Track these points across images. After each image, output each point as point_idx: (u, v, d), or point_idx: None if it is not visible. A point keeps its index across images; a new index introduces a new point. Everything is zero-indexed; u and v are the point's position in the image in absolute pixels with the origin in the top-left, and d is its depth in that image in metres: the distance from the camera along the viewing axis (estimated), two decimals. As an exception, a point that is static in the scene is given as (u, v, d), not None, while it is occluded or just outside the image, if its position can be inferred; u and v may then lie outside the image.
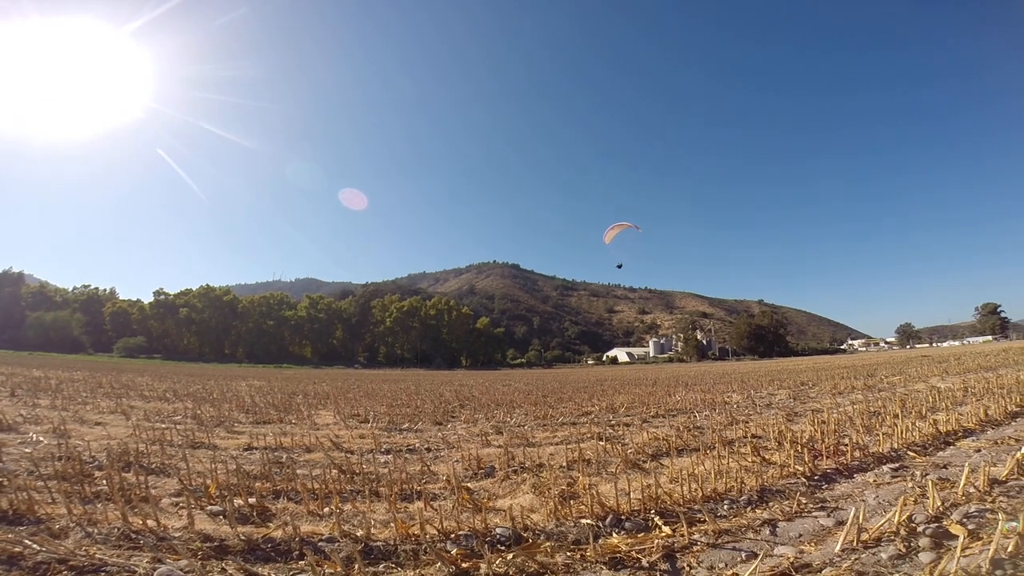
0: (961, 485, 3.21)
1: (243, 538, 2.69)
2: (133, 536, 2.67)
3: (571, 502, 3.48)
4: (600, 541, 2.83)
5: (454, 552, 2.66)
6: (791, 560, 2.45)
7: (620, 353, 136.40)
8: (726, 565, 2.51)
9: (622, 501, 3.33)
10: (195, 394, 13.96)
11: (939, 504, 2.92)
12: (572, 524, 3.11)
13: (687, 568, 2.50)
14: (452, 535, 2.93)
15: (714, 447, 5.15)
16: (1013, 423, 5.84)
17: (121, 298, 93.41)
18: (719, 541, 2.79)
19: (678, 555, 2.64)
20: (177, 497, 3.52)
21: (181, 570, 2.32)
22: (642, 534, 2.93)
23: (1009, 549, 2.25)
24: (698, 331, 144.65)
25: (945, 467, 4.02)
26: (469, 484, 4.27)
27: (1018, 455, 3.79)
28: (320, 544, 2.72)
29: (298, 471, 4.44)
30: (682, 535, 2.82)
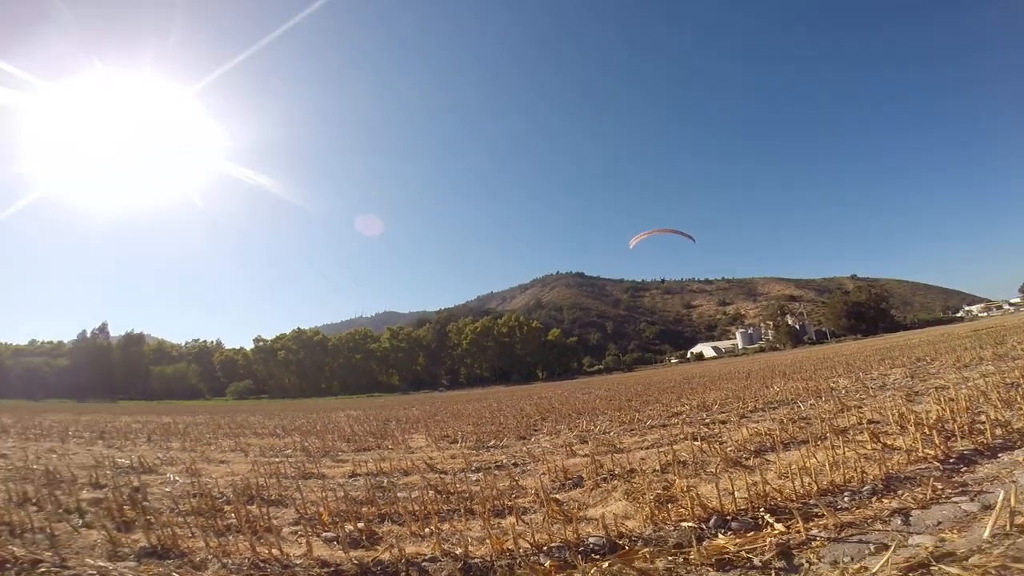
0: None
1: (356, 562, 2.87)
2: (261, 564, 2.95)
3: (668, 506, 3.34)
4: (705, 543, 2.68)
5: (547, 564, 2.65)
6: (930, 550, 2.16)
7: (705, 348, 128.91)
8: (852, 559, 2.27)
9: (726, 501, 3.15)
10: (301, 428, 15.20)
11: (1119, 479, 2.43)
12: (672, 528, 2.98)
13: (806, 565, 2.30)
14: (544, 547, 2.92)
15: (825, 437, 4.70)
16: None
17: (227, 347, 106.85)
18: (842, 535, 2.53)
19: (795, 552, 2.43)
20: (295, 526, 3.84)
21: (307, 594, 2.53)
22: (752, 533, 2.74)
23: None
24: (788, 316, 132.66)
25: (1115, 436, 3.34)
26: (558, 495, 4.24)
27: None
28: (424, 564, 2.84)
29: (398, 494, 4.67)
30: (798, 531, 2.60)
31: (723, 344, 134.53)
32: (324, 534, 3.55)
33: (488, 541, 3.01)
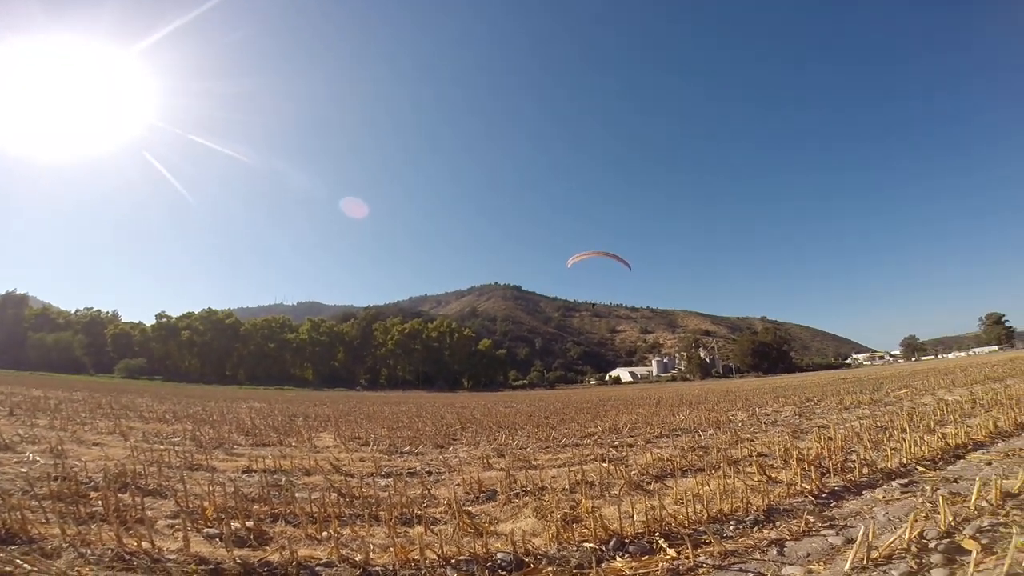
0: (973, 499, 3.14)
1: (239, 561, 2.63)
2: (127, 557, 2.62)
3: (574, 525, 3.41)
4: (603, 565, 2.77)
5: (454, 577, 2.61)
6: (799, 580, 2.38)
7: (623, 373, 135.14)
8: (732, 588, 2.44)
9: (626, 524, 3.26)
10: (195, 416, 13.83)
11: (951, 519, 2.85)
12: (575, 548, 3.05)
13: None
14: (452, 560, 2.87)
15: (719, 467, 5.06)
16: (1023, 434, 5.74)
17: (123, 321, 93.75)
18: (725, 563, 2.72)
19: (683, 577, 2.58)
20: (173, 519, 3.46)
21: (175, 594, 2.27)
22: (646, 557, 2.87)
23: (1024, 564, 2.19)
24: (701, 349, 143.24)
25: (956, 481, 3.95)
26: (470, 508, 4.20)
27: None
28: (317, 568, 2.66)
29: (297, 494, 4.36)
30: (687, 557, 2.76)
31: (640, 370, 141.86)
32: (206, 530, 3.23)
33: (392, 549, 2.89)
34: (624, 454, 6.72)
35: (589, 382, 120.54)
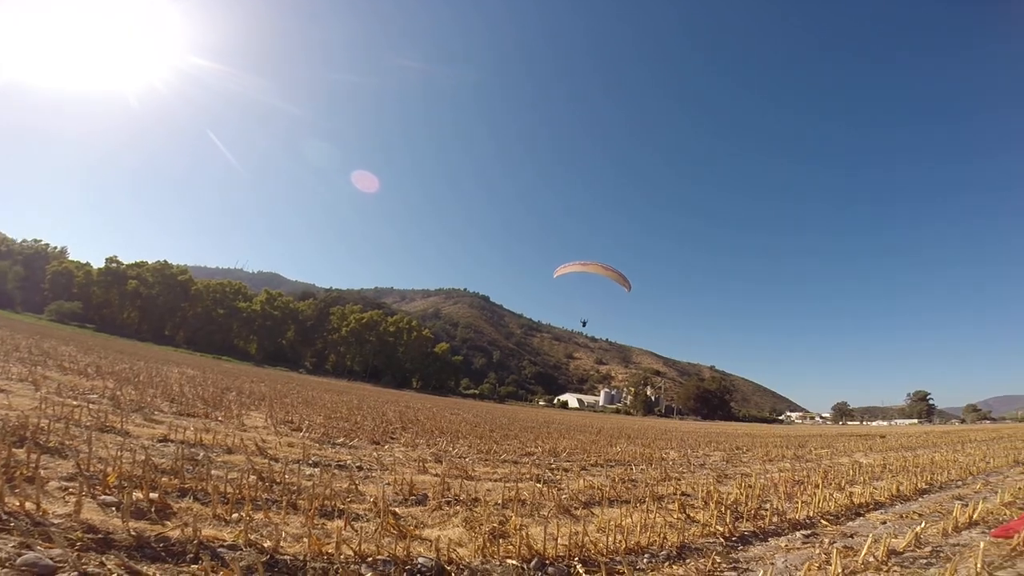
0: (862, 554, 3.36)
1: (134, 533, 2.48)
2: (4, 518, 2.42)
3: (500, 541, 3.42)
4: (521, 583, 2.78)
5: (369, 576, 2.56)
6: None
7: (571, 398, 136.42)
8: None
9: (549, 546, 3.30)
10: (120, 373, 12.97)
11: (840, 571, 3.04)
12: (498, 563, 3.06)
13: None
14: (370, 558, 2.82)
15: (644, 501, 5.19)
16: (920, 499, 6.23)
17: (70, 259, 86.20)
18: (633, 595, 2.79)
19: (592, 604, 2.63)
20: (69, 482, 3.22)
21: (52, 559, 2.11)
22: (563, 580, 2.91)
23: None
24: (649, 387, 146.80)
25: (852, 536, 4.22)
26: (397, 509, 4.13)
27: (917, 529, 4.05)
28: (220, 550, 2.55)
29: (213, 471, 4.17)
30: (599, 584, 2.81)
31: (588, 398, 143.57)
32: (103, 497, 3.03)
33: (307, 540, 2.81)
34: (559, 477, 6.78)
35: (539, 402, 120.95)
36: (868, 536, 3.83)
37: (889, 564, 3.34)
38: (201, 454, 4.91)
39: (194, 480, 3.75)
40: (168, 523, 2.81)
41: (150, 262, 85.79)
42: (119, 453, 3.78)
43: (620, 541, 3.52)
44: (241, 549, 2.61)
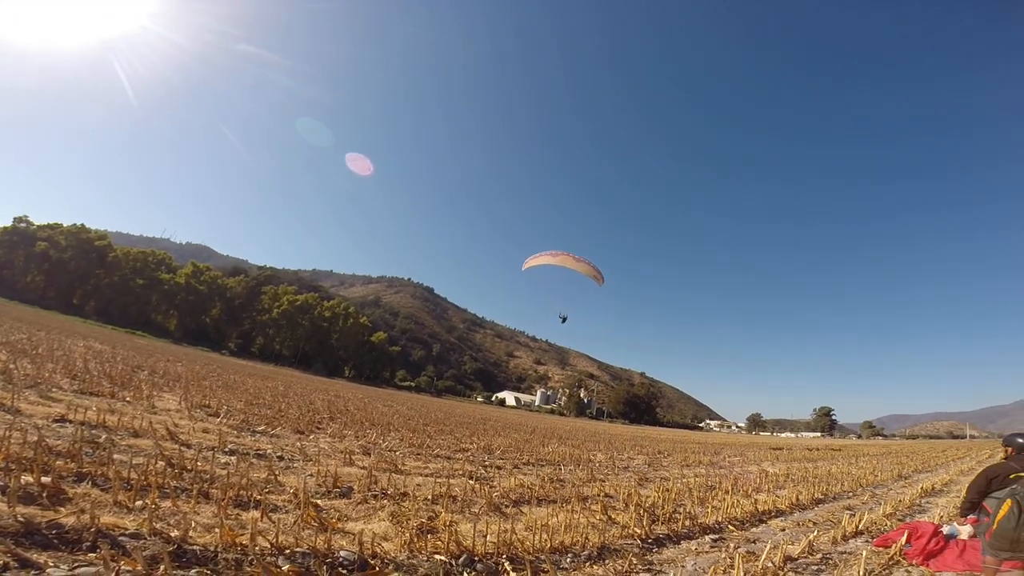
0: (762, 560, 3.68)
1: (22, 519, 2.25)
2: None
3: (429, 536, 3.41)
4: (449, 579, 2.79)
5: (286, 568, 2.48)
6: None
7: (509, 396, 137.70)
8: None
9: (478, 542, 3.34)
10: (15, 344, 11.52)
11: (741, 575, 3.31)
12: (425, 558, 3.05)
13: None
14: (288, 551, 2.72)
15: (570, 501, 5.38)
16: (816, 508, 6.88)
17: None
18: (556, 592, 2.89)
19: (517, 603, 2.69)
20: (-58, 461, 2.84)
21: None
22: (490, 577, 2.95)
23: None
24: (582, 390, 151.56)
25: (755, 541, 4.60)
26: (320, 501, 3.99)
27: (811, 537, 4.50)
28: (121, 539, 2.35)
29: (116, 456, 3.82)
30: (525, 583, 2.88)
31: (525, 397, 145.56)
32: (-15, 481, 2.69)
33: (219, 530, 2.65)
34: (492, 475, 6.85)
35: (476, 398, 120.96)
36: (769, 542, 4.20)
37: (785, 570, 3.68)
38: (103, 437, 4.49)
39: (94, 464, 3.42)
40: (62, 509, 2.56)
41: (66, 224, 76.57)
42: (7, 433, 3.37)
43: (546, 540, 3.62)
44: (145, 538, 2.42)
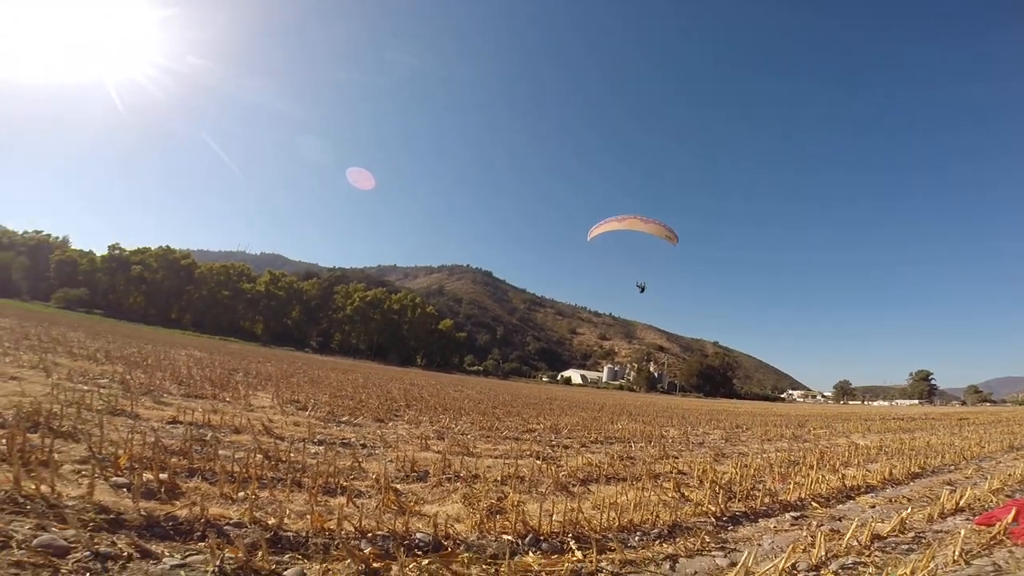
0: (847, 538, 3.45)
1: (144, 513, 2.60)
2: (21, 501, 2.53)
3: (497, 517, 3.52)
4: (516, 558, 2.88)
5: (367, 551, 2.66)
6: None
7: (574, 375, 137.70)
8: (623, 596, 2.61)
9: (545, 522, 3.39)
10: (129, 357, 13.21)
11: (823, 554, 3.13)
12: (493, 538, 3.14)
13: None
14: (370, 534, 2.92)
15: (641, 479, 5.31)
16: (912, 483, 6.30)
17: (73, 248, 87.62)
18: (623, 571, 2.89)
19: (583, 580, 2.72)
20: (82, 465, 3.34)
21: (66, 539, 2.21)
22: (556, 556, 3.00)
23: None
24: (652, 363, 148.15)
25: (840, 519, 4.31)
26: (398, 486, 4.25)
27: (903, 514, 4.12)
28: (226, 528, 2.66)
29: (220, 451, 4.30)
30: (591, 561, 2.90)
31: (591, 374, 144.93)
32: (115, 479, 3.15)
33: (309, 517, 2.92)
34: (559, 454, 6.92)
35: (542, 378, 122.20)
36: (856, 519, 3.91)
37: (872, 548, 3.42)
38: (209, 435, 5.05)
39: (202, 460, 3.88)
40: (177, 503, 2.93)
41: (153, 248, 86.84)
42: (130, 436, 3.91)
43: (614, 519, 3.62)
44: (246, 526, 2.72)
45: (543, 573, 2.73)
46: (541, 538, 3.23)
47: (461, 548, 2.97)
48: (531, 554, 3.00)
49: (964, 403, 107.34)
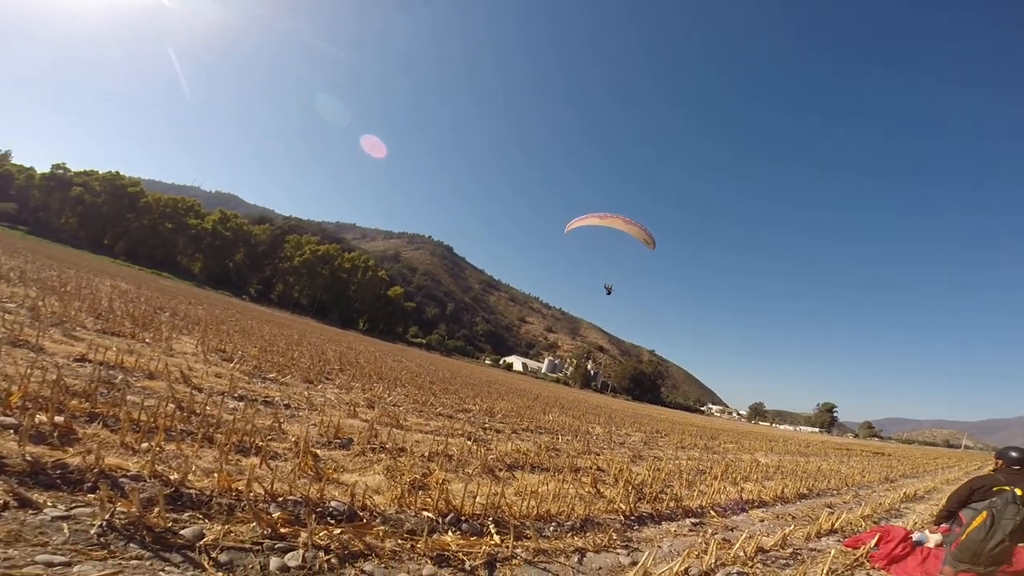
0: (735, 548, 3.75)
1: (29, 459, 2.37)
2: None
3: (420, 493, 3.52)
4: (434, 536, 2.90)
5: (276, 515, 2.58)
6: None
7: (517, 361, 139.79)
8: (532, 584, 2.70)
9: (467, 503, 3.43)
10: (45, 281, 11.99)
11: (713, 561, 3.39)
12: (413, 514, 3.14)
13: None
14: (280, 498, 2.83)
15: (563, 471, 5.51)
16: (798, 503, 6.93)
17: (13, 163, 78.55)
18: (535, 559, 2.99)
19: (498, 565, 2.79)
20: (-38, 395, 3.01)
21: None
22: (475, 538, 3.05)
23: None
24: (590, 361, 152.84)
25: (733, 529, 4.68)
26: (319, 451, 4.14)
27: (786, 531, 4.56)
28: (122, 480, 2.49)
29: (129, 397, 4.00)
30: (507, 547, 2.98)
31: (532, 363, 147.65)
32: (2, 418, 2.85)
33: (217, 475, 2.78)
34: (490, 437, 7.02)
35: (485, 361, 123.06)
36: (745, 531, 4.27)
37: (755, 560, 3.74)
38: (119, 377, 4.70)
39: (107, 405, 3.59)
40: (70, 449, 2.70)
41: (101, 171, 79.34)
42: (28, 371, 3.54)
43: (533, 507, 3.72)
44: (145, 480, 2.55)
45: (460, 553, 2.77)
46: (462, 519, 3.27)
47: (378, 521, 2.94)
48: (450, 533, 3.04)
49: (857, 436, 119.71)
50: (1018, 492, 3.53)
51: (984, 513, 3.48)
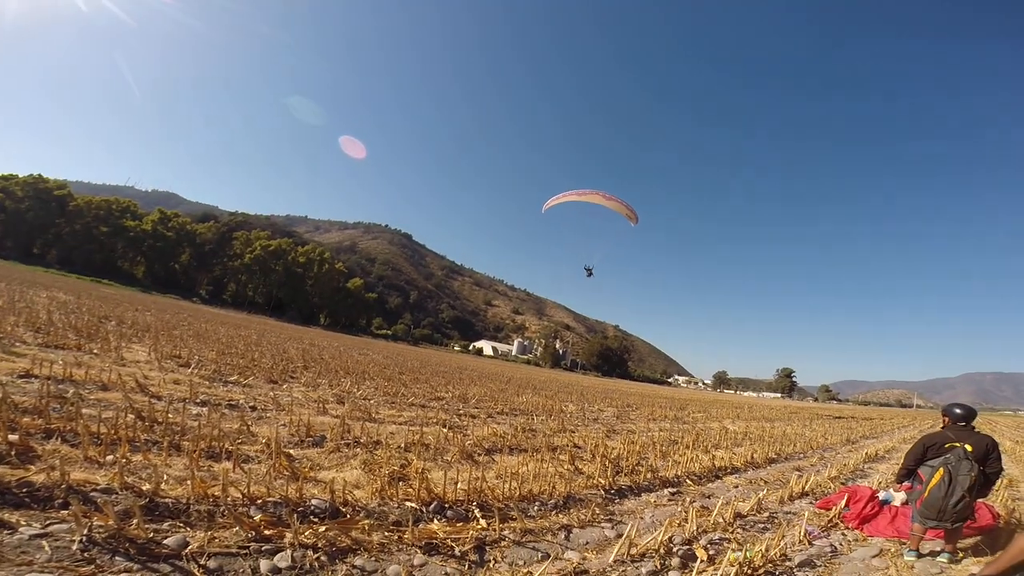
0: (714, 514, 3.97)
1: (-11, 479, 2.21)
2: None
3: (400, 484, 3.52)
4: (420, 526, 2.92)
5: (258, 518, 2.53)
6: (575, 565, 2.82)
7: (486, 346, 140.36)
8: (524, 563, 2.79)
9: (449, 490, 3.47)
10: None
11: (695, 528, 3.58)
12: (396, 505, 3.15)
13: (493, 561, 2.73)
14: (259, 501, 2.78)
15: (541, 451, 5.63)
16: (768, 467, 7.31)
17: None
18: (524, 539, 3.08)
19: (488, 548, 2.85)
20: None
21: None
22: (461, 524, 3.10)
23: (732, 574, 2.86)
24: (558, 341, 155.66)
25: (709, 497, 4.93)
26: (292, 451, 4.07)
27: (760, 495, 4.83)
28: (93, 494, 2.37)
29: (84, 410, 3.76)
30: (494, 530, 3.05)
31: (502, 347, 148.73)
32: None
33: (190, 482, 2.68)
34: (465, 424, 7.06)
35: (454, 347, 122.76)
36: (722, 498, 4.51)
37: (734, 525, 3.96)
38: (71, 391, 4.41)
39: (62, 420, 3.37)
40: (32, 467, 2.53)
41: (22, 175, 71.95)
42: (-36, 388, 3.24)
43: (516, 488, 3.81)
44: (117, 492, 2.44)
45: (448, 540, 2.81)
46: (446, 506, 3.30)
47: (361, 515, 2.93)
48: (436, 522, 3.07)
49: (816, 399, 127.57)
50: (968, 448, 3.70)
51: (941, 470, 3.62)
